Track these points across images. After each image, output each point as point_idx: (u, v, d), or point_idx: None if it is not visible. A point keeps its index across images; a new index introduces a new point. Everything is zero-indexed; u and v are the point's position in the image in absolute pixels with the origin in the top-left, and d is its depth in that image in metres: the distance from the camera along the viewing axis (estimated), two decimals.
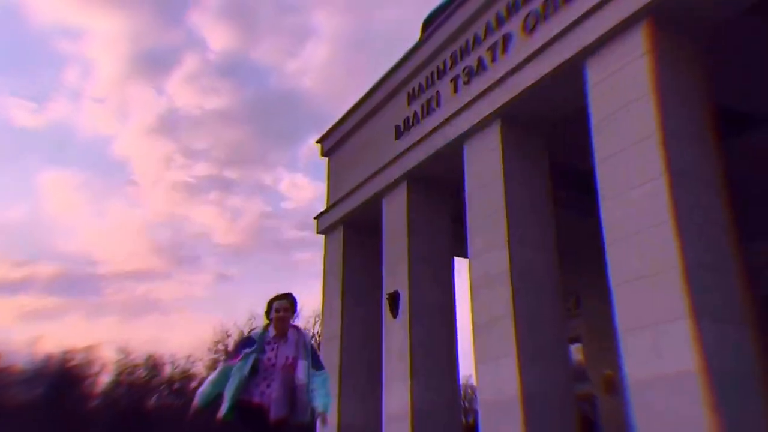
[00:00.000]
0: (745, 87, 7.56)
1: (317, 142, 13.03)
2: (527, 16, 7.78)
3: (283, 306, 3.81)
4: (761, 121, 8.23)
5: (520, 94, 7.72)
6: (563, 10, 7.23)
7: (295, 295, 3.93)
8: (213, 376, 3.80)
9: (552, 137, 8.43)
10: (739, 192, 6.22)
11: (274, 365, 3.66)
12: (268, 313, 3.88)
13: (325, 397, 3.68)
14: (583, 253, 9.69)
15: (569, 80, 7.18)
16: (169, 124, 66.92)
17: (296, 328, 3.91)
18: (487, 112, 8.19)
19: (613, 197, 6.30)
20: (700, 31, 6.36)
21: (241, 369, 3.64)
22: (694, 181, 5.89)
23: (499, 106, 8.03)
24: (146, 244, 59.70)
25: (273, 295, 3.95)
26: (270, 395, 3.57)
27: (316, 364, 3.80)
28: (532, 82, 7.52)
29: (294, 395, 3.61)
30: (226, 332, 31.94)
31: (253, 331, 3.93)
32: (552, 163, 8.48)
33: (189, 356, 34.43)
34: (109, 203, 63.64)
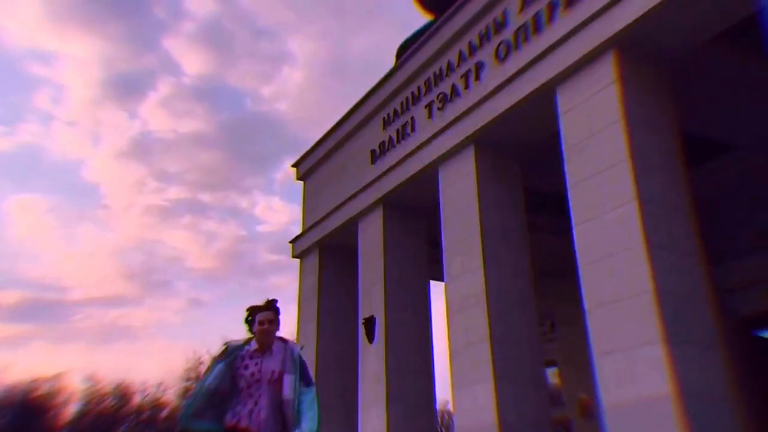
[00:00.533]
0: (710, 115, 7.80)
1: (293, 166, 13.01)
2: (499, 44, 7.95)
3: (268, 317, 3.49)
4: (726, 147, 8.48)
5: (492, 120, 7.84)
6: (534, 40, 7.41)
7: (278, 304, 3.62)
8: (191, 395, 3.56)
9: (526, 162, 8.55)
10: (707, 217, 6.37)
11: (259, 381, 3.38)
12: (250, 324, 3.55)
13: (312, 421, 3.33)
14: (558, 277, 9.78)
15: (541, 107, 7.32)
16: (142, 148, 66.19)
17: (282, 339, 3.60)
18: (461, 138, 8.29)
19: (586, 221, 6.39)
20: (666, 60, 6.57)
21: (204, 379, 3.40)
22: (663, 206, 6.01)
23: (472, 132, 8.14)
24: (117, 270, 58.43)
25: (256, 303, 3.62)
26: (259, 416, 3.30)
27: (305, 378, 3.48)
28: (505, 108, 7.65)
29: (283, 412, 3.34)
30: (198, 359, 31.28)
31: (229, 343, 3.60)
32: (527, 187, 8.60)
33: (160, 384, 33.57)
34: (79, 228, 62.36)
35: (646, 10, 5.97)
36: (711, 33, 6.30)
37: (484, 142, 8.22)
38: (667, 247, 5.82)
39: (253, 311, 3.56)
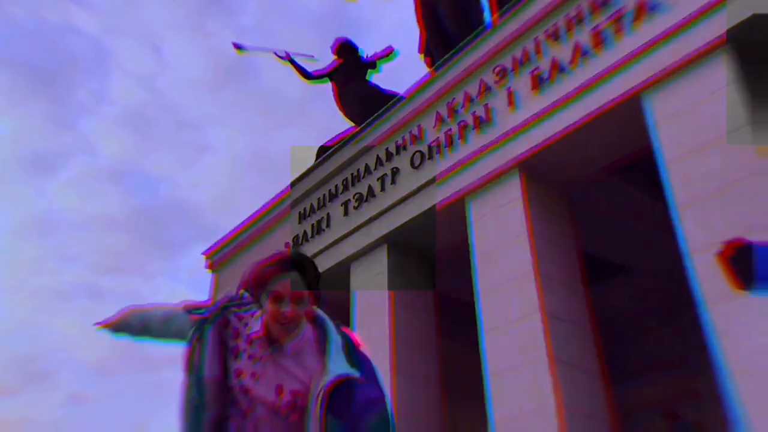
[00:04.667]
0: (609, 238, 8.39)
1: (204, 254, 12.50)
2: (414, 153, 8.31)
3: (288, 289, 1.68)
4: (623, 269, 9.06)
5: (405, 223, 8.01)
6: (448, 154, 7.80)
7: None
8: (146, 310, 2.00)
9: (439, 267, 8.71)
10: (606, 336, 6.66)
11: (248, 394, 1.67)
12: (255, 292, 1.74)
13: None
14: (466, 386, 9.71)
15: (454, 215, 7.59)
16: (45, 226, 61.56)
17: (317, 317, 1.84)
18: (374, 238, 8.38)
19: (494, 330, 6.47)
20: (568, 185, 7.10)
21: (191, 385, 1.70)
22: (568, 324, 6.22)
23: (385, 233, 8.26)
24: None
25: (268, 257, 1.76)
26: None
27: (372, 392, 1.65)
28: (417, 214, 7.87)
29: None
30: None
31: (219, 300, 1.90)
32: (439, 292, 8.69)
33: None
34: None
35: (546, 138, 6.51)
36: (607, 164, 6.91)
37: (397, 243, 8.34)
38: (571, 365, 5.96)
39: (262, 274, 1.72)
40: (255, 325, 1.78)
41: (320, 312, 1.86)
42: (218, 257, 12.11)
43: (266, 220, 10.97)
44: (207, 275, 12.34)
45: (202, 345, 1.75)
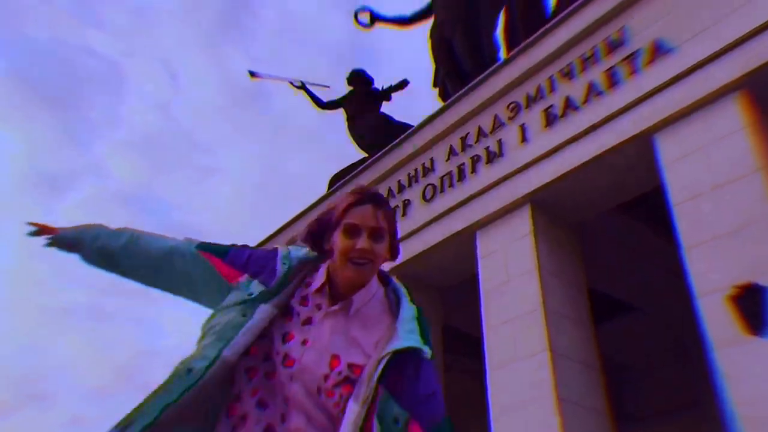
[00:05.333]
0: (617, 276, 8.34)
1: None
2: (426, 186, 8.37)
3: (366, 219, 1.42)
4: (631, 308, 8.98)
5: (414, 256, 8.02)
6: (459, 186, 7.85)
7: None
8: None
9: (447, 300, 8.67)
10: (613, 376, 6.56)
11: (289, 366, 1.30)
12: (321, 238, 1.48)
13: None
14: (472, 422, 9.55)
15: (462, 248, 7.60)
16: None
17: (391, 282, 1.57)
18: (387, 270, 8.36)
19: (500, 366, 6.40)
20: (577, 221, 7.10)
21: (212, 337, 1.30)
22: (574, 361, 6.15)
23: (393, 266, 8.25)
24: None
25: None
26: None
27: (438, 385, 1.34)
28: (427, 247, 7.88)
29: None
30: None
31: (292, 249, 1.54)
32: (445, 326, 8.62)
33: None
34: None
35: (557, 173, 6.54)
36: (618, 202, 6.92)
37: (405, 276, 8.32)
38: (575, 403, 5.86)
39: (335, 207, 1.48)
40: (318, 281, 1.41)
41: (392, 277, 1.55)
42: None
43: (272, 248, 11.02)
44: None
45: (240, 319, 1.30)
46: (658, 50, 5.98)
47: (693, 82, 5.52)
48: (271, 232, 11.01)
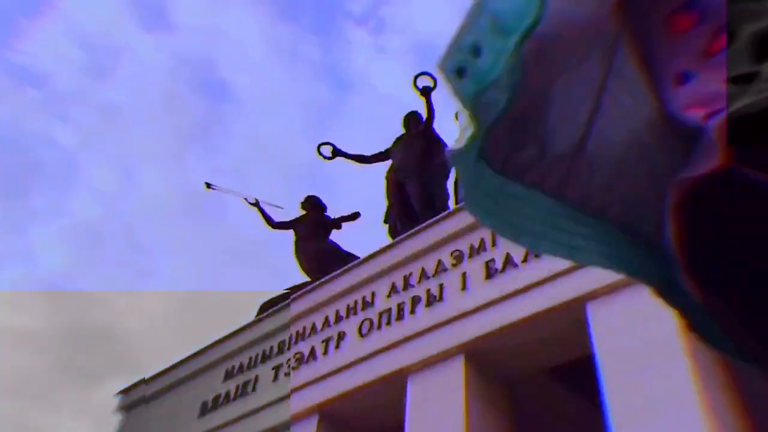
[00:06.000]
0: None
1: (119, 393, 11.46)
2: (364, 320, 8.20)
3: None
4: None
5: (340, 395, 7.61)
6: (396, 325, 7.70)
7: None
8: None
9: None
10: None
11: None
12: None
13: None
14: None
15: (391, 393, 7.26)
16: None
17: None
18: (304, 407, 7.86)
19: None
20: (510, 380, 7.00)
21: None
22: None
23: (317, 403, 7.78)
24: None
25: None
26: None
27: None
28: (354, 386, 7.52)
29: None
30: None
31: None
32: None
33: None
34: None
35: (493, 326, 6.55)
36: (551, 365, 6.92)
37: (329, 415, 7.80)
38: None
39: None
40: None
41: None
42: (129, 400, 11.10)
43: (189, 369, 10.29)
44: (117, 414, 11.19)
45: None
46: None
47: None
48: (193, 351, 10.38)
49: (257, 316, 10.30)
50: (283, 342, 9.10)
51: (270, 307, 10.15)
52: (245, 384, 9.05)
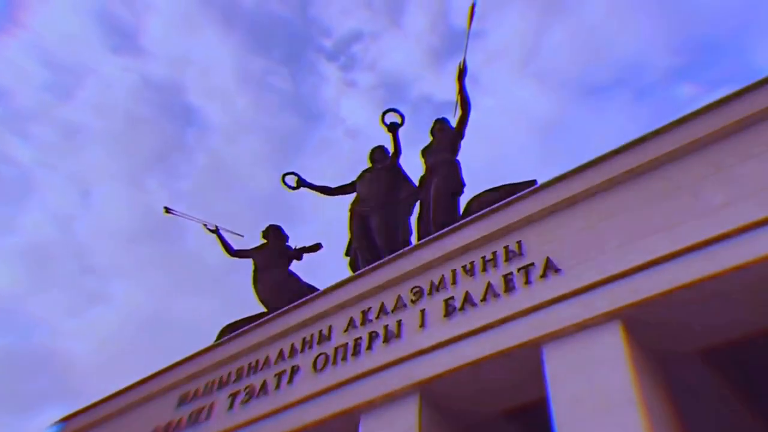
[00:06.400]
0: None
1: (59, 421, 10.87)
2: (319, 355, 8.02)
3: None
4: None
5: (297, 429, 7.38)
6: (352, 361, 7.55)
7: None
8: None
9: None
10: None
11: None
12: None
13: None
14: None
15: (344, 429, 7.10)
16: None
17: None
18: None
19: None
20: (464, 423, 6.92)
21: None
22: None
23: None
24: None
25: None
26: None
27: None
28: (308, 422, 7.30)
29: None
30: None
31: None
32: None
33: None
34: None
35: (449, 365, 6.48)
36: (506, 406, 6.86)
37: None
38: None
39: None
40: None
41: None
42: (74, 426, 10.52)
43: (140, 393, 9.86)
44: None
45: None
46: (550, 267, 6.46)
47: (577, 304, 5.91)
48: (146, 375, 9.96)
49: (217, 339, 10.01)
50: (240, 369, 8.82)
51: (231, 330, 9.89)
52: (199, 411, 8.70)
